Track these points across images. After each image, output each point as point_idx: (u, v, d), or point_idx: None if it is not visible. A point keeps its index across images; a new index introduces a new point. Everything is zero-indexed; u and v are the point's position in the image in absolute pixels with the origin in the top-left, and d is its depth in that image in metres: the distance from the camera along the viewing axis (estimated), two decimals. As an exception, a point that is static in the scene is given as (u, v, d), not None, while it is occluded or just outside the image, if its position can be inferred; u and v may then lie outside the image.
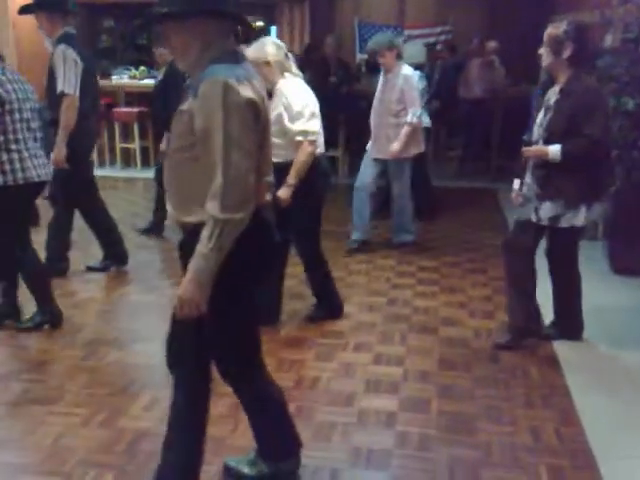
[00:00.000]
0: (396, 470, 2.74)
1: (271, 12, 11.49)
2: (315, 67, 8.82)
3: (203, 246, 2.00)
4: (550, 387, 3.39)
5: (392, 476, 2.71)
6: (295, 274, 5.03)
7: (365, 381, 3.45)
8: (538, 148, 3.54)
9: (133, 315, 4.38)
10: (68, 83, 4.45)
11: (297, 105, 3.68)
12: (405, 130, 5.36)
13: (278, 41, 3.82)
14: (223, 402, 3.20)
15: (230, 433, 2.97)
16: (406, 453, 2.85)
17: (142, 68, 10.29)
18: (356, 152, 8.10)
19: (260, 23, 14.33)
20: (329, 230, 6.28)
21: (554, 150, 3.44)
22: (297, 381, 3.44)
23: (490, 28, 9.82)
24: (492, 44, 8.70)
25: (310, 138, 3.69)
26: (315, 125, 3.73)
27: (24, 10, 4.56)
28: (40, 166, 3.82)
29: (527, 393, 3.33)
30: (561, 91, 3.49)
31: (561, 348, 3.80)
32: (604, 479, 2.67)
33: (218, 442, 2.89)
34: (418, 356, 3.74)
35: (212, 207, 1.98)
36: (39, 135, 3.87)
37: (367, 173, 5.59)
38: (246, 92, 2.00)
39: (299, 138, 3.68)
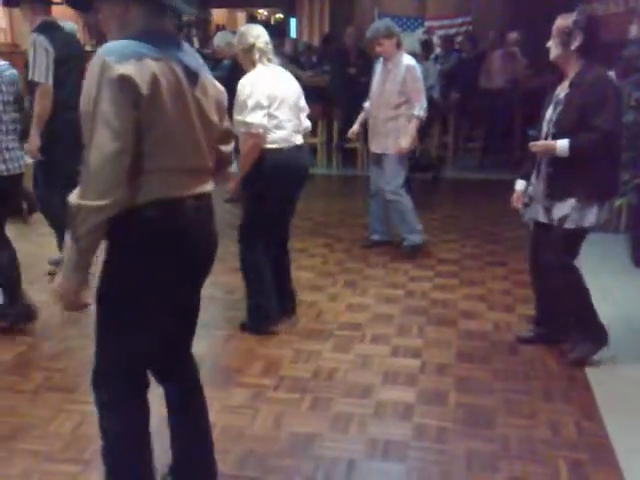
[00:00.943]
0: (413, 462, 2.72)
1: (291, 4, 11.47)
2: (334, 58, 8.82)
3: (66, 235, 1.88)
4: (570, 380, 3.35)
5: (409, 468, 2.69)
6: (312, 266, 5.05)
7: (382, 373, 3.44)
8: (545, 143, 3.37)
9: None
10: (38, 71, 4.40)
11: (243, 95, 3.57)
12: (413, 124, 5.06)
13: (254, 30, 3.74)
14: (241, 392, 3.23)
15: (249, 423, 2.98)
16: (423, 445, 2.83)
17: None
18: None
19: (280, 15, 14.35)
20: (346, 221, 6.30)
21: (562, 145, 3.27)
22: (314, 372, 3.44)
23: (512, 18, 9.73)
24: (513, 35, 8.61)
25: (252, 130, 3.55)
26: (256, 117, 3.53)
27: (8, 3, 4.61)
28: (11, 159, 3.75)
29: (546, 386, 3.30)
30: (571, 84, 3.34)
31: (581, 342, 3.76)
32: (624, 474, 2.63)
33: (237, 431, 2.90)
34: (436, 348, 3.72)
35: (73, 193, 1.83)
36: (12, 127, 3.79)
37: (378, 176, 5.31)
38: (123, 69, 1.80)
39: (241, 130, 3.57)
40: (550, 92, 3.54)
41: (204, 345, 3.68)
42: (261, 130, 3.58)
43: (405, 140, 5.06)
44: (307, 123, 3.95)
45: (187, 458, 2.35)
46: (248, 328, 3.91)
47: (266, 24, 14.19)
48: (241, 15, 16.22)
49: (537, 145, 3.41)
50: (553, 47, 3.36)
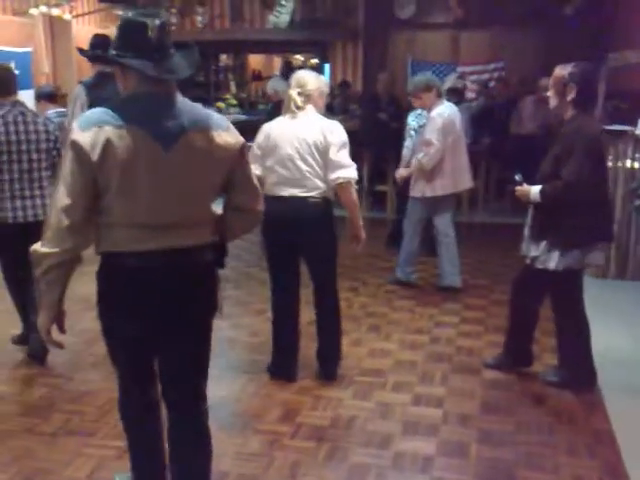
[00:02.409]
0: (430, 517, 2.65)
1: (325, 50, 11.64)
2: (366, 103, 8.92)
3: None
4: (596, 434, 3.24)
5: (425, 523, 2.62)
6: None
7: (403, 422, 3.37)
8: (523, 188, 3.59)
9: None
10: (72, 120, 4.58)
11: None
12: (415, 164, 5.36)
13: (295, 77, 3.67)
14: (257, 439, 3.19)
15: (263, 471, 2.94)
16: (441, 500, 2.76)
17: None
18: (404, 188, 8.07)
19: (315, 60, 14.59)
20: (374, 265, 6.27)
21: (535, 191, 3.50)
22: (333, 420, 3.39)
23: (543, 65, 9.73)
24: (545, 81, 8.57)
25: None
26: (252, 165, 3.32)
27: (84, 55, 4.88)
28: (25, 207, 3.88)
29: (571, 440, 3.19)
30: (558, 134, 3.53)
31: (608, 393, 3.65)
32: (651, 536, 2.53)
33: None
34: (459, 398, 3.64)
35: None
36: (38, 175, 3.92)
37: None
38: (80, 136, 2.03)
39: None
40: None
41: (223, 388, 3.68)
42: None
43: (403, 170, 5.58)
44: (333, 175, 3.58)
45: None
46: (269, 371, 3.90)
47: (300, 70, 14.41)
48: (277, 60, 16.54)
49: (517, 190, 3.65)
50: (551, 97, 3.51)
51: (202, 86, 12.67)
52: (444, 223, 5.51)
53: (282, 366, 3.84)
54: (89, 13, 10.79)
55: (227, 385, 3.74)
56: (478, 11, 10.28)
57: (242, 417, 3.44)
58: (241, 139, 2.26)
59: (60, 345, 2.25)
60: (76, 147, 2.03)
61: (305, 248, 3.73)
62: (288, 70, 14.58)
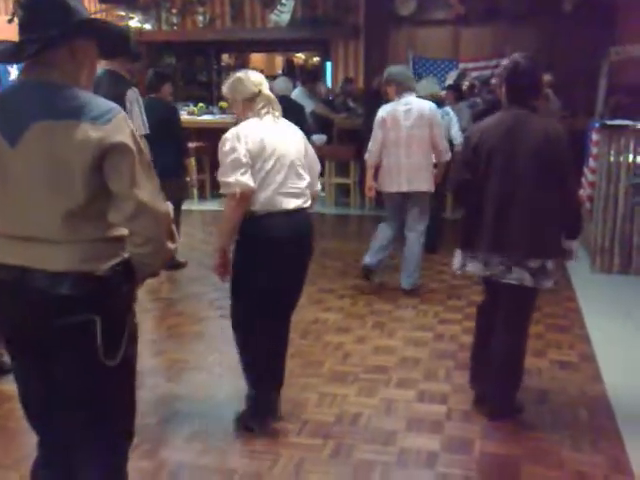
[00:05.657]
0: (435, 513, 2.67)
1: (326, 48, 11.65)
2: (368, 100, 8.93)
3: None
4: (600, 430, 3.25)
5: (430, 519, 2.64)
6: (341, 307, 5.04)
7: (407, 419, 3.38)
8: None
9: (183, 346, 4.42)
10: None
11: (220, 154, 3.04)
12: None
13: (236, 78, 3.18)
14: (263, 436, 3.20)
15: (268, 470, 2.95)
16: (446, 495, 2.77)
17: (200, 104, 10.55)
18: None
19: (316, 58, 14.59)
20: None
21: None
22: (338, 417, 3.40)
23: (547, 60, 9.73)
24: (546, 77, 8.57)
25: (229, 191, 2.98)
26: (233, 176, 2.96)
27: None
28: None
29: (575, 436, 3.20)
30: None
31: (612, 388, 3.66)
32: (656, 530, 2.54)
33: (256, 478, 2.88)
34: (463, 394, 3.64)
35: None
36: None
37: None
38: None
39: (222, 191, 3.07)
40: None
41: (228, 386, 3.70)
42: (238, 191, 2.97)
43: None
44: (318, 185, 3.37)
45: None
46: (242, 422, 3.29)
47: (302, 68, 14.43)
48: (279, 59, 16.55)
49: None
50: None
51: (204, 86, 12.70)
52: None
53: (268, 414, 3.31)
54: (91, 15, 10.80)
55: (231, 383, 3.75)
56: (479, 7, 10.27)
57: (247, 415, 3.45)
58: (117, 138, 1.78)
59: None
60: None
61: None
62: (291, 69, 14.61)
